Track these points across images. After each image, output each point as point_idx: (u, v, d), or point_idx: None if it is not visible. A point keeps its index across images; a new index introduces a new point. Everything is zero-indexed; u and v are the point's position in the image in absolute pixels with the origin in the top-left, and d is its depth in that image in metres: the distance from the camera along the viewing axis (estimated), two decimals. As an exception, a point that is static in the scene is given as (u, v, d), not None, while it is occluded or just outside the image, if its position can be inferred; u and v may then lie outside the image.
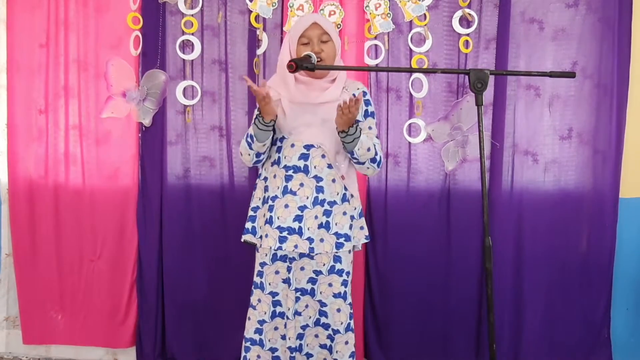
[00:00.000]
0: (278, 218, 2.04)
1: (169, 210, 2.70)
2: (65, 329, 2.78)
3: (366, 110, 2.11)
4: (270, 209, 2.06)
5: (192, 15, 2.64)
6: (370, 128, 2.10)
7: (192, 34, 2.65)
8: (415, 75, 2.59)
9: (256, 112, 2.05)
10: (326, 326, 2.12)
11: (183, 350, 2.73)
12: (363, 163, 2.04)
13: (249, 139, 2.05)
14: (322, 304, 2.11)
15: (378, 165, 2.08)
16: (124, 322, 2.75)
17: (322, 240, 2.04)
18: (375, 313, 2.67)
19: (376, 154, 2.05)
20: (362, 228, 2.14)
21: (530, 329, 2.62)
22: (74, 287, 2.77)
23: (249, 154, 2.07)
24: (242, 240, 2.17)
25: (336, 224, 2.06)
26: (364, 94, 2.12)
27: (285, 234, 2.03)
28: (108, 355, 2.81)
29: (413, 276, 2.64)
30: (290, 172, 2.05)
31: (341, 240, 2.06)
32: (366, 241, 2.16)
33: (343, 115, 1.90)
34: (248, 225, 2.15)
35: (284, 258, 2.09)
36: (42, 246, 2.76)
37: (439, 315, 2.64)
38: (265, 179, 2.12)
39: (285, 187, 2.05)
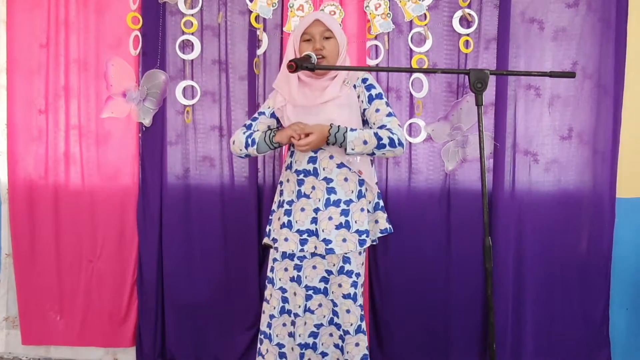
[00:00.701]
0: (297, 222, 2.06)
1: (169, 210, 2.70)
2: (65, 330, 2.78)
3: (370, 95, 2.07)
4: (288, 213, 2.08)
5: (192, 15, 2.64)
6: (378, 110, 2.04)
7: (192, 34, 2.65)
8: (415, 75, 2.59)
9: (272, 102, 2.13)
10: (338, 326, 2.14)
11: (183, 351, 2.73)
12: (373, 153, 2.01)
13: (249, 139, 2.08)
14: (334, 304, 2.13)
15: (392, 146, 1.97)
16: (124, 322, 2.75)
17: (344, 240, 2.04)
18: (375, 313, 2.67)
19: (380, 139, 1.97)
20: (376, 222, 2.14)
21: (531, 329, 2.62)
22: (74, 287, 2.76)
23: (241, 150, 2.11)
24: (262, 243, 2.22)
25: (356, 222, 2.06)
26: (364, 80, 2.09)
27: (305, 236, 2.06)
28: (108, 356, 2.81)
29: (413, 276, 2.64)
30: (301, 176, 2.07)
31: (363, 237, 2.06)
32: (382, 235, 2.15)
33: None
34: (267, 228, 2.20)
35: (292, 257, 2.10)
36: (42, 246, 2.76)
37: (440, 316, 2.64)
38: (281, 183, 2.16)
39: (299, 191, 2.07)
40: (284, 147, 2.55)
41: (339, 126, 1.97)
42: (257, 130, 2.13)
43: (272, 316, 2.14)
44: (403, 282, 2.64)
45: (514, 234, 2.60)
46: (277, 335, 2.16)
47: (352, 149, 1.96)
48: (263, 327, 2.17)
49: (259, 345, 2.18)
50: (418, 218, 2.63)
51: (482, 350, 2.64)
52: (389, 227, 2.17)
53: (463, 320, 2.63)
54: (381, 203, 2.17)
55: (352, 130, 1.97)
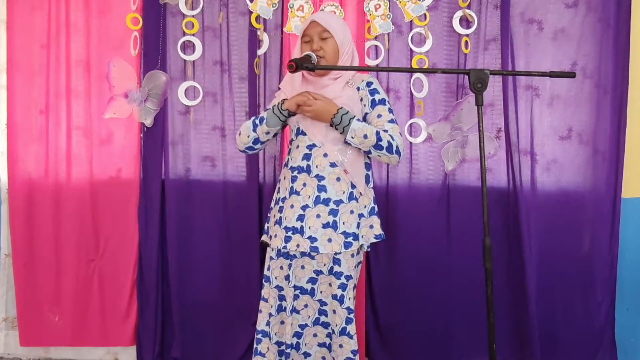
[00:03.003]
0: (285, 218, 2.07)
1: (171, 210, 2.70)
2: (65, 329, 2.76)
3: (373, 100, 2.07)
4: (281, 209, 2.09)
5: (193, 16, 2.65)
6: (379, 116, 2.05)
7: (193, 35, 2.66)
8: (415, 75, 2.60)
9: (277, 101, 2.12)
10: (326, 325, 2.13)
11: (183, 349, 2.72)
12: (369, 152, 2.01)
13: (256, 120, 2.09)
14: (322, 303, 2.12)
15: (389, 151, 1.99)
16: (125, 321, 2.74)
17: (329, 240, 2.03)
18: (376, 313, 2.67)
19: (379, 139, 1.98)
20: (371, 227, 2.11)
21: (533, 330, 2.61)
22: (75, 286, 2.75)
23: (248, 136, 2.10)
24: (261, 241, 2.23)
25: (344, 223, 2.04)
26: (369, 84, 2.09)
27: (290, 233, 2.05)
28: (109, 355, 2.80)
29: (414, 276, 2.64)
30: (295, 173, 2.07)
31: (349, 239, 2.04)
32: (376, 240, 2.12)
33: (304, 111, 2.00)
34: (265, 226, 2.21)
35: (286, 255, 2.10)
36: (42, 247, 2.75)
37: (440, 315, 2.64)
38: (279, 180, 2.17)
39: (292, 187, 2.07)
40: (283, 148, 2.57)
41: (348, 111, 1.99)
42: None
43: (270, 314, 2.14)
44: (403, 282, 2.65)
45: (514, 234, 2.60)
46: (275, 334, 2.15)
47: (352, 137, 1.97)
48: (261, 326, 2.16)
49: (255, 344, 2.17)
50: (418, 218, 2.63)
51: (483, 351, 2.63)
52: (382, 234, 2.14)
53: (463, 320, 2.63)
54: (376, 208, 2.14)
55: (359, 120, 1.99)
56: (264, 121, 2.07)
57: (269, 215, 2.21)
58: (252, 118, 2.12)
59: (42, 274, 2.76)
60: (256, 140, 2.11)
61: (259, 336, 2.16)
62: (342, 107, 1.99)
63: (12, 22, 2.73)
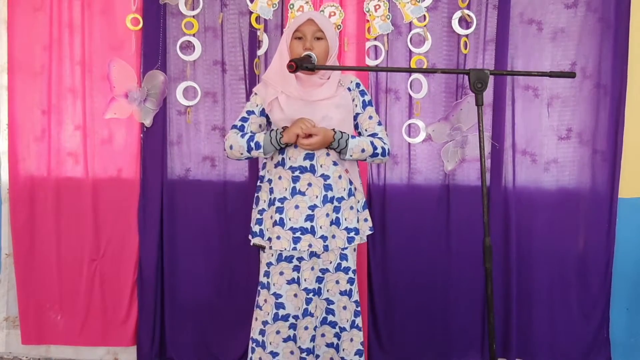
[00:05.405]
0: (290, 219, 2.03)
1: (170, 209, 2.71)
2: (66, 328, 2.78)
3: (363, 101, 2.12)
4: (280, 210, 2.04)
5: (193, 16, 2.65)
6: (370, 117, 2.11)
7: (193, 35, 2.66)
8: (414, 75, 2.60)
9: (255, 101, 2.10)
10: (333, 324, 2.12)
11: (183, 350, 2.73)
12: (365, 160, 2.07)
13: (251, 143, 2.01)
14: (329, 302, 2.11)
15: (383, 155, 2.08)
16: (125, 321, 2.75)
17: (333, 236, 2.05)
18: (375, 312, 2.67)
19: (375, 148, 2.04)
20: (366, 220, 2.16)
21: (530, 329, 2.62)
22: (76, 286, 2.76)
23: (242, 154, 2.04)
24: (251, 243, 2.14)
25: (345, 219, 2.07)
26: (357, 85, 2.13)
27: (298, 234, 2.03)
28: (109, 355, 2.81)
29: (413, 277, 2.65)
30: (297, 173, 2.05)
31: (352, 234, 2.07)
32: (370, 232, 2.17)
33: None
34: (256, 228, 2.11)
35: (289, 259, 2.07)
36: (43, 246, 2.76)
37: (439, 315, 2.65)
38: (270, 180, 2.09)
39: (294, 188, 2.04)
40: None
41: (342, 133, 2.00)
42: (251, 131, 2.07)
43: (265, 322, 2.08)
44: (402, 282, 2.65)
45: (512, 234, 2.60)
46: (270, 343, 2.09)
47: (350, 156, 2.01)
48: (255, 334, 2.11)
49: (250, 354, 2.12)
50: (417, 218, 2.64)
51: (482, 350, 2.64)
52: (372, 226, 2.19)
53: (463, 319, 2.64)
54: (365, 202, 2.19)
55: (352, 137, 2.02)
56: (261, 148, 2.01)
57: (261, 217, 2.10)
58: (245, 137, 2.02)
59: (43, 273, 2.77)
60: (248, 158, 2.09)
61: (253, 345, 2.12)
62: (336, 132, 1.99)
63: (13, 23, 2.73)
